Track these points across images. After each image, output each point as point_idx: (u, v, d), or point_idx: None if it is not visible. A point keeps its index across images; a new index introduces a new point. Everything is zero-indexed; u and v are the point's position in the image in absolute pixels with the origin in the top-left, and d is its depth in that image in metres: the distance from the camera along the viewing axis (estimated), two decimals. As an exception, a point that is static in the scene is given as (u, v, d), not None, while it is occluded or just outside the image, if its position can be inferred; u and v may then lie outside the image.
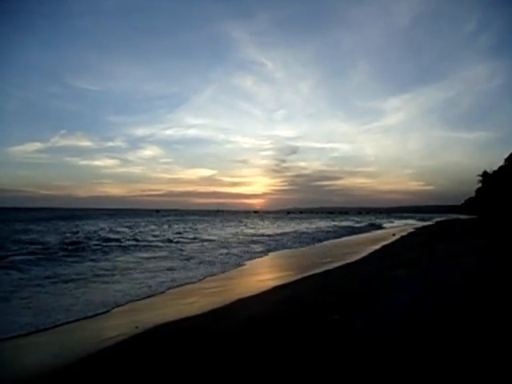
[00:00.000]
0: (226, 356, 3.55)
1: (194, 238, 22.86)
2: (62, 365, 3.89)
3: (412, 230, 29.58)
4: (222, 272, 10.45)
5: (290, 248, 17.90)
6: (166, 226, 37.62)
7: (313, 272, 9.60)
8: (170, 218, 71.21)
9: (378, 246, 16.81)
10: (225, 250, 16.28)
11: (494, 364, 2.90)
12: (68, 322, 5.58)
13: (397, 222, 55.68)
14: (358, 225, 45.02)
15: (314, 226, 39.78)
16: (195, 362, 3.50)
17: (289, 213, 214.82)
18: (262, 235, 26.37)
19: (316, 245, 19.67)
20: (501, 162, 55.03)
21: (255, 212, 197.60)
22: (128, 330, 4.98)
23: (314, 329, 4.11)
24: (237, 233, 28.97)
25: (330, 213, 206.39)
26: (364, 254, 14.06)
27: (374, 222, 56.07)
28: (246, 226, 41.88)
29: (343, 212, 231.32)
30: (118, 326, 5.39)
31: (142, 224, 41.69)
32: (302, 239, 22.92)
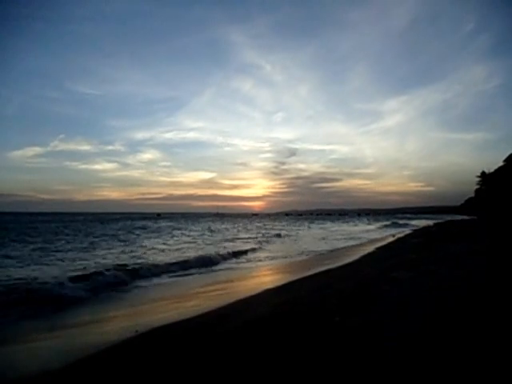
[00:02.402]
0: (224, 359, 3.55)
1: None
2: (59, 368, 3.87)
3: (410, 232, 29.61)
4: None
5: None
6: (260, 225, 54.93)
7: (308, 274, 9.62)
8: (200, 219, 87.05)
9: (377, 247, 16.82)
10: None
11: (496, 368, 2.91)
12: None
13: (414, 222, 59.56)
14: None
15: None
16: (194, 365, 3.49)
17: (287, 215, 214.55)
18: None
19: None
20: (499, 163, 55.29)
21: (254, 215, 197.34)
22: (128, 333, 4.97)
23: (314, 331, 4.11)
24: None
25: (329, 214, 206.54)
26: (364, 255, 14.07)
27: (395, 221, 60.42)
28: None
29: (343, 214, 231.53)
30: (118, 329, 5.37)
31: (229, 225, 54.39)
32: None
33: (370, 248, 16.89)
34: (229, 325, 4.84)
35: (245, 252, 17.24)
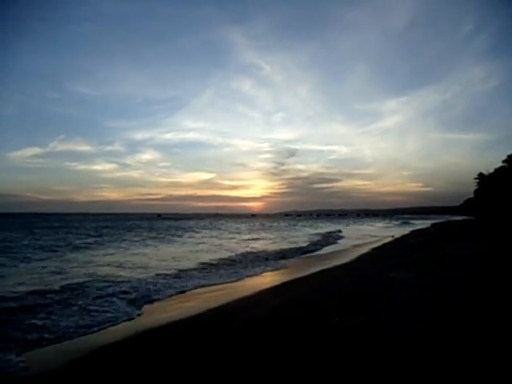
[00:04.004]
0: (223, 358, 3.57)
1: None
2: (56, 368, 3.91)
3: (408, 232, 29.61)
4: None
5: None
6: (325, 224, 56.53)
7: (307, 274, 9.64)
8: (222, 220, 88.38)
9: (375, 248, 16.83)
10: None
11: (495, 369, 2.92)
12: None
13: (416, 222, 60.69)
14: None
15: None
16: (192, 365, 3.53)
17: (286, 215, 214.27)
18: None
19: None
20: (498, 163, 55.40)
21: (253, 215, 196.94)
22: (128, 334, 4.99)
23: (314, 332, 4.13)
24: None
25: (329, 215, 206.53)
26: (362, 255, 14.09)
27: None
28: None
29: (342, 214, 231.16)
30: (117, 330, 5.40)
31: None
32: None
33: (368, 248, 16.92)
34: (234, 323, 4.86)
35: (325, 245, 20.92)
